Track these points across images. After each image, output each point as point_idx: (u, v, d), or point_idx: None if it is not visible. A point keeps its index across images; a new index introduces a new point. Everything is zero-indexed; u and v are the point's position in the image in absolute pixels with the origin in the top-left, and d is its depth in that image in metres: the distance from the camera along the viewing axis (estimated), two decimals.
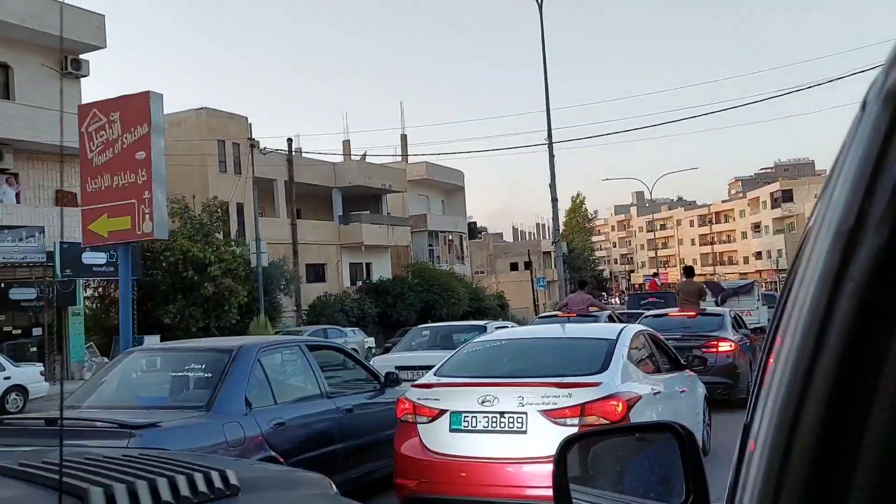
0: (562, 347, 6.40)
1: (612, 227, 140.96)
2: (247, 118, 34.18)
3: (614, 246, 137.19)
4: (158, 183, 8.50)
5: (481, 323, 11.09)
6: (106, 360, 21.00)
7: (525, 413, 5.04)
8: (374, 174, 42.97)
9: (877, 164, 0.54)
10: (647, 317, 13.35)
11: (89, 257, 21.54)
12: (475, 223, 59.75)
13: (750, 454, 0.62)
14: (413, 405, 5.50)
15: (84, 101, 26.89)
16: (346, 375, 6.98)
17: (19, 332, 23.14)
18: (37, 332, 22.84)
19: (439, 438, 5.25)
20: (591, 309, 15.09)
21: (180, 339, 25.72)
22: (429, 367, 9.64)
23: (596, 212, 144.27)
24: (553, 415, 4.99)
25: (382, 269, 42.81)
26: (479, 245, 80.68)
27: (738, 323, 12.84)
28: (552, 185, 23.57)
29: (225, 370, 4.95)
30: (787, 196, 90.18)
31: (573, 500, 1.47)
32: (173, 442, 4.12)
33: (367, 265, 42.86)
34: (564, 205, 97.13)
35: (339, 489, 5.95)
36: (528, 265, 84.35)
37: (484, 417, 5.14)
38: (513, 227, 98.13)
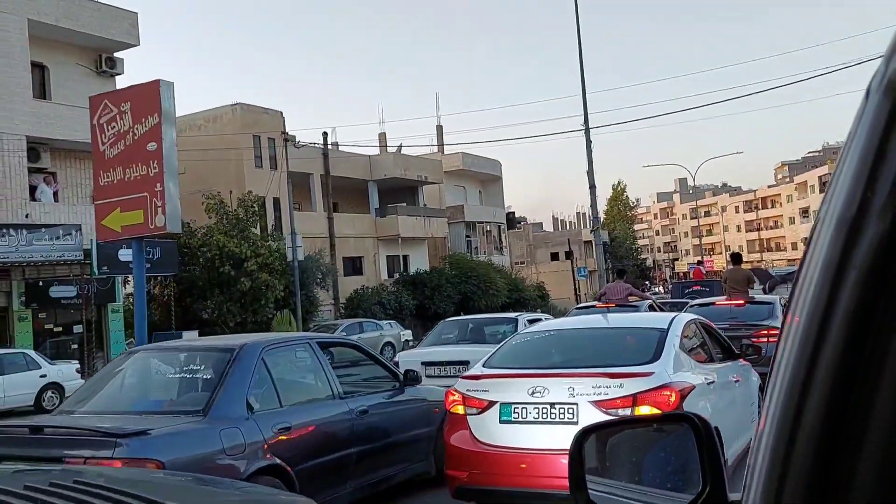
0: (612, 337, 6.31)
1: (655, 215, 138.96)
2: (281, 113, 34.11)
3: (657, 234, 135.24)
4: (170, 174, 8.23)
5: (512, 315, 10.61)
6: None
7: (576, 404, 4.99)
8: (410, 166, 42.72)
9: (878, 152, 0.54)
10: (692, 306, 12.89)
11: (126, 254, 21.54)
12: (513, 213, 59.17)
13: (759, 434, 0.62)
14: (463, 396, 5.48)
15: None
16: (362, 374, 6.66)
17: (60, 329, 23.40)
18: (78, 329, 23.04)
19: (489, 430, 5.24)
20: (630, 298, 14.66)
21: (217, 334, 25.88)
22: (457, 363, 9.45)
23: (638, 200, 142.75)
24: (605, 405, 4.93)
25: (420, 262, 42.58)
26: (518, 235, 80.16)
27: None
28: (590, 172, 22.99)
29: (225, 371, 4.64)
30: None
31: (589, 492, 1.48)
32: (164, 451, 3.84)
33: (405, 257, 42.65)
34: (605, 193, 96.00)
35: (354, 496, 5.75)
36: (568, 255, 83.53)
37: (534, 409, 5.11)
38: (552, 216, 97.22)
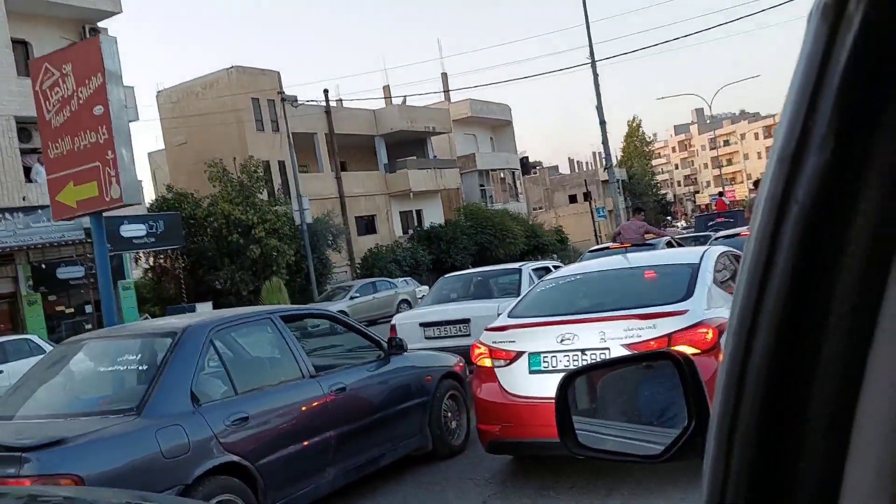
0: (641, 277, 6.01)
1: (673, 149, 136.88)
2: (278, 73, 33.19)
3: (676, 168, 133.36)
4: (122, 140, 7.48)
5: (515, 266, 9.87)
6: None
7: (608, 349, 4.82)
8: (417, 117, 41.70)
9: (817, 80, 0.52)
10: (716, 239, 12.41)
11: (128, 230, 21.17)
12: (527, 158, 57.99)
13: (720, 367, 0.63)
14: (489, 349, 5.34)
15: None
16: (340, 347, 6.04)
17: (73, 310, 23.12)
18: (89, 309, 22.74)
19: (519, 381, 5.12)
20: (646, 237, 14.06)
21: (230, 304, 25.52)
22: (458, 322, 8.84)
23: (655, 134, 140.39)
24: (638, 348, 4.71)
25: (434, 215, 41.86)
26: (535, 181, 79.24)
27: None
28: (599, 107, 22.01)
29: (165, 360, 4.02)
30: None
31: (578, 433, 1.55)
32: (82, 462, 3.25)
33: (418, 212, 41.95)
34: (620, 130, 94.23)
35: (337, 483, 5.20)
36: (587, 196, 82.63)
37: (564, 356, 4.96)
38: (568, 158, 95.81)
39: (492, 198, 48.35)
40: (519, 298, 6.12)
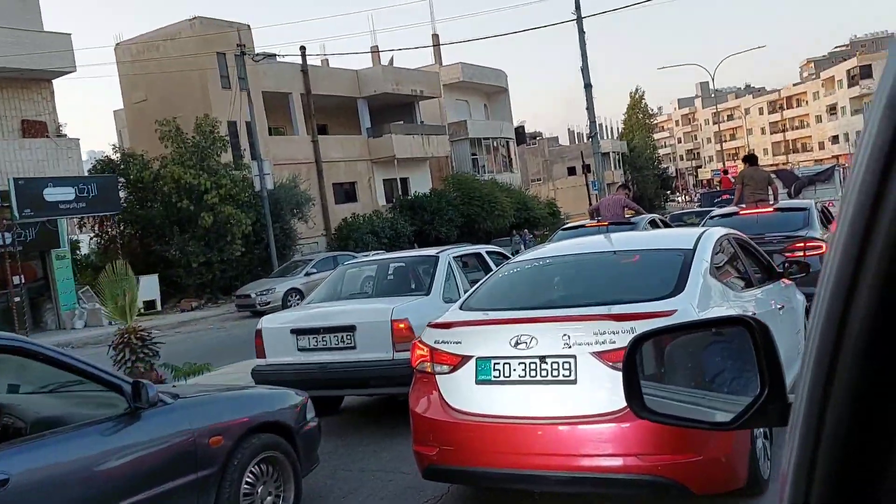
0: (623, 264, 5.09)
1: (677, 122, 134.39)
2: (248, 26, 30.49)
3: (679, 142, 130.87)
4: None
5: (431, 253, 7.45)
6: (100, 307, 18.34)
7: (573, 356, 3.98)
8: (403, 79, 39.00)
9: None
10: (713, 217, 10.86)
11: (53, 193, 18.76)
12: (523, 127, 55.38)
13: (807, 335, 0.61)
14: (431, 350, 4.42)
15: (44, 17, 24.00)
16: (53, 396, 3.70)
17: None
18: (17, 280, 20.39)
19: (463, 393, 4.26)
20: (626, 214, 12.07)
21: (180, 276, 23.20)
22: (340, 330, 6.61)
23: (660, 108, 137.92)
24: (611, 357, 3.90)
25: (421, 184, 39.39)
26: (534, 151, 77.13)
27: (826, 217, 10.59)
28: (584, 69, 19.54)
29: None
30: (866, 72, 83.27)
31: (645, 398, 1.51)
32: None
33: (403, 180, 39.49)
34: (623, 101, 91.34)
35: None
36: (586, 168, 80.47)
37: (519, 364, 4.09)
38: (568, 129, 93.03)
39: (484, 168, 45.87)
40: (476, 286, 5.12)
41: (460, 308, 4.75)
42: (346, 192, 36.42)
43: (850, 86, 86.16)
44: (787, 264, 8.13)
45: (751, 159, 13.95)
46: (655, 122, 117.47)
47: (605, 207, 12.50)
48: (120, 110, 38.17)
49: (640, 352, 1.60)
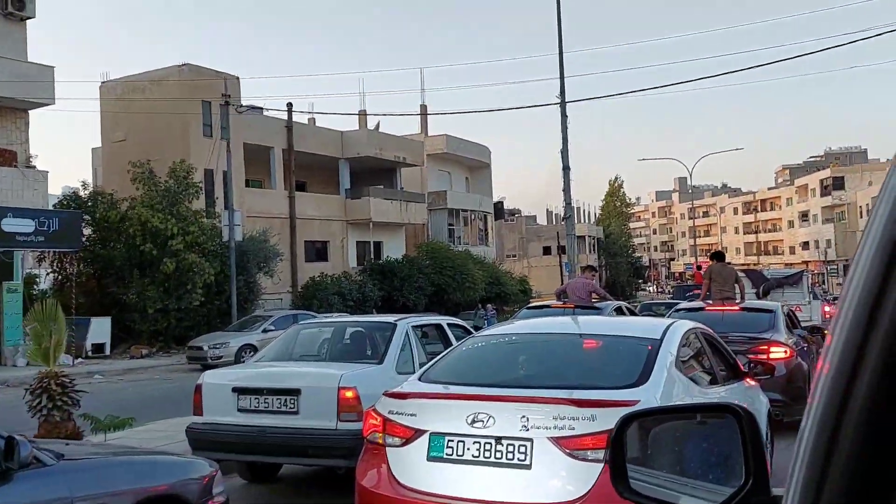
0: (588, 349, 4.97)
1: (653, 214, 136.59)
2: (237, 77, 30.50)
3: (655, 233, 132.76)
4: None
5: (389, 319, 7.11)
6: None
7: (530, 440, 3.78)
8: (387, 145, 39.13)
9: None
10: (678, 310, 10.67)
11: (11, 224, 18.14)
12: (501, 203, 55.59)
13: (803, 429, 0.63)
14: (384, 420, 4.22)
15: (30, 44, 23.77)
16: None
17: None
18: None
19: (414, 469, 4.01)
20: (593, 298, 11.86)
21: (136, 321, 22.45)
22: (284, 393, 6.22)
23: (638, 198, 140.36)
24: (569, 444, 3.72)
25: (395, 249, 39.10)
26: (511, 227, 77.62)
27: (791, 321, 10.48)
28: (564, 152, 19.61)
29: None
30: (839, 184, 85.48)
31: (630, 480, 1.47)
32: None
33: (377, 244, 39.17)
34: (602, 188, 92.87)
35: None
36: (561, 249, 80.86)
37: (474, 443, 3.89)
38: (547, 209, 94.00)
39: (460, 239, 45.79)
40: (438, 357, 4.97)
41: (419, 379, 4.59)
42: (318, 251, 35.99)
43: (822, 195, 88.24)
44: (752, 364, 7.94)
45: (718, 256, 13.88)
46: (632, 211, 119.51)
47: (571, 290, 12.26)
48: (98, 148, 37.82)
49: (627, 432, 1.56)
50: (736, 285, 13.47)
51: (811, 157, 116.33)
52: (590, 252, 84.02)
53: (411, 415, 4.13)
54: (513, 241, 78.26)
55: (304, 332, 7.94)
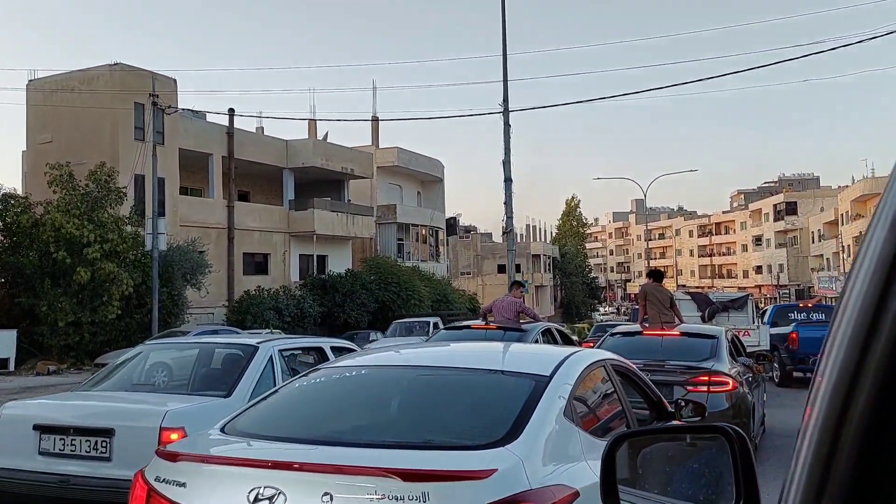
0: (458, 389, 3.71)
1: (610, 234, 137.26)
2: (175, 80, 29.21)
3: (611, 253, 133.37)
4: None
5: (252, 342, 5.88)
6: None
7: None
8: (333, 155, 38.03)
9: None
10: (614, 334, 9.75)
11: None
12: (454, 219, 54.71)
13: (799, 447, 0.63)
14: (148, 491, 3.07)
15: None
16: None
17: None
18: None
19: None
20: (522, 319, 10.93)
21: (45, 334, 20.97)
22: (96, 433, 5.08)
23: (597, 219, 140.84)
24: None
25: (341, 264, 37.90)
26: (466, 245, 76.84)
27: (736, 347, 9.65)
28: (506, 162, 18.76)
29: None
30: (791, 209, 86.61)
31: (621, 501, 1.45)
32: None
33: (322, 258, 37.97)
34: (559, 208, 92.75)
35: None
36: (516, 268, 79.77)
37: None
38: (502, 227, 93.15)
39: (409, 254, 44.77)
40: (255, 399, 3.88)
41: (222, 429, 3.49)
42: (258, 264, 34.68)
43: (775, 220, 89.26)
44: (682, 403, 6.98)
45: (655, 275, 13.06)
46: (590, 231, 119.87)
47: (497, 309, 11.31)
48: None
49: (620, 452, 1.54)
50: (672, 309, 12.75)
51: (766, 183, 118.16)
52: (545, 271, 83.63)
53: (180, 485, 3.05)
54: (468, 258, 77.54)
55: (155, 354, 6.79)
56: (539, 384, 3.37)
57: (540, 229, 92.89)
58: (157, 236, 21.63)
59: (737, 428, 1.32)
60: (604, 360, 4.24)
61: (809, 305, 20.29)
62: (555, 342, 10.58)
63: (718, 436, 1.35)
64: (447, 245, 54.17)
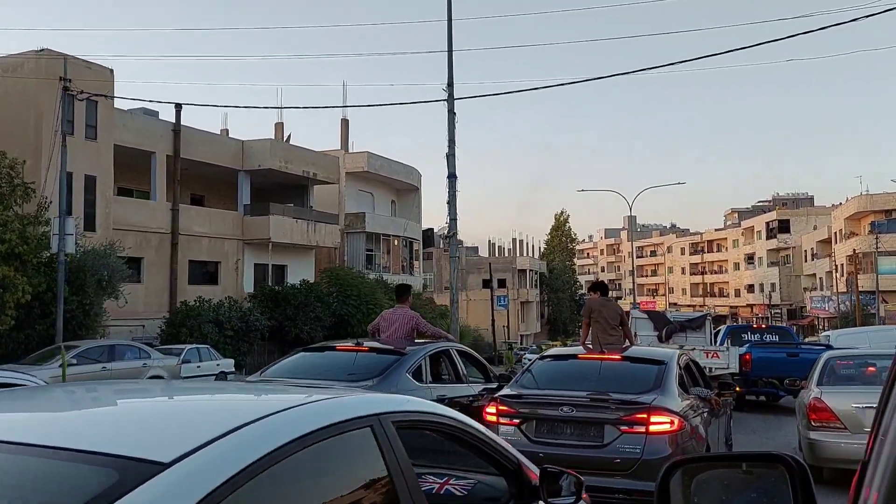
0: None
1: (602, 251, 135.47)
2: (111, 70, 26.87)
3: (602, 270, 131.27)
4: None
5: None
6: None
7: None
8: (294, 158, 35.63)
9: None
10: (544, 357, 7.97)
11: None
12: (432, 230, 52.21)
13: (871, 477, 0.61)
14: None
15: None
16: None
17: None
18: None
19: None
20: (416, 336, 8.64)
21: None
22: None
23: (590, 236, 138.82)
24: None
25: (302, 274, 35.43)
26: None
27: (691, 375, 7.68)
28: (450, 155, 16.42)
29: None
30: (784, 227, 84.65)
31: None
32: None
33: (280, 268, 35.54)
34: (548, 223, 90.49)
35: None
36: (501, 283, 78.35)
37: None
38: (489, 241, 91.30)
39: (379, 265, 42.34)
40: None
41: None
42: (207, 273, 32.20)
43: (768, 238, 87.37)
44: (552, 470, 4.67)
45: (600, 288, 11.17)
46: (580, 247, 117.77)
47: (385, 323, 8.95)
48: None
49: (674, 478, 1.53)
50: (621, 328, 10.66)
51: (760, 202, 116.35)
52: (531, 286, 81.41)
53: None
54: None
55: None
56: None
57: (528, 244, 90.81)
58: (65, 237, 19.18)
59: (797, 457, 1.29)
60: (368, 418, 2.25)
61: (763, 327, 19.99)
62: (453, 369, 8.15)
63: (777, 465, 1.33)
64: (422, 258, 51.79)
